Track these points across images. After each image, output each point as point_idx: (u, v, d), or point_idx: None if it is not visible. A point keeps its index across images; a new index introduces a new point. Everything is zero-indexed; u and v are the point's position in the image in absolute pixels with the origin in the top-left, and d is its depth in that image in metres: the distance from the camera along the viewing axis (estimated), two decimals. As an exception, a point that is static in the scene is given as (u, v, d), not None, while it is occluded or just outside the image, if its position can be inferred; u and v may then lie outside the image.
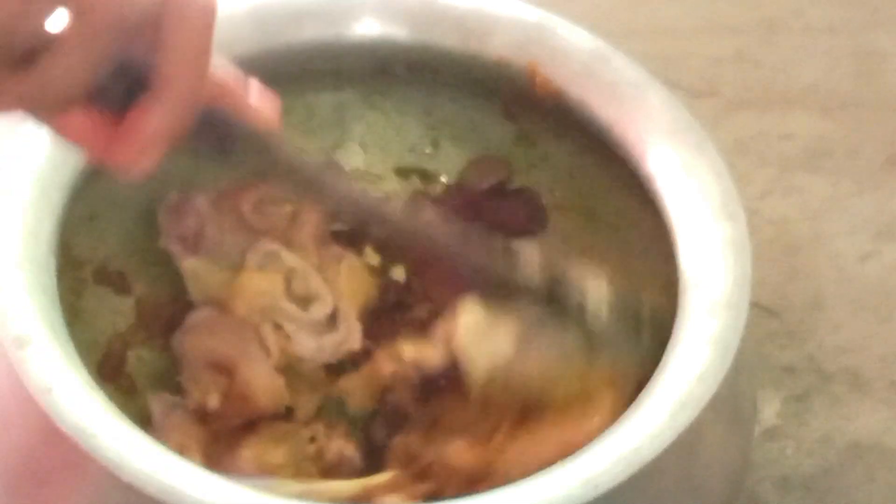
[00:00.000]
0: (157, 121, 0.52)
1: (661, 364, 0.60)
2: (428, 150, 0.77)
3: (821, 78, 0.97)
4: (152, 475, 0.55)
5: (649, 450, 0.57)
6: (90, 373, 0.60)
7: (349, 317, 0.72)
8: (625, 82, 0.69)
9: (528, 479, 0.56)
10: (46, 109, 0.51)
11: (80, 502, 0.58)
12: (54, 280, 0.61)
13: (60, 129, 0.52)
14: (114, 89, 0.51)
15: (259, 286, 0.71)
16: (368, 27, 0.72)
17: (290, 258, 0.72)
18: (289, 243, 0.73)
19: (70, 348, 0.59)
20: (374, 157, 0.77)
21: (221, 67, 0.55)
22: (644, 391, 0.59)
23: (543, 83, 0.70)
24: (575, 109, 0.70)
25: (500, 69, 0.71)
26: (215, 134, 0.56)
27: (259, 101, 0.57)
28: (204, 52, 0.52)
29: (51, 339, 0.59)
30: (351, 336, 0.71)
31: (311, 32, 0.71)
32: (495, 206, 0.75)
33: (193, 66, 0.52)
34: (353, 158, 0.77)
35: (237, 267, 0.72)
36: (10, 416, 0.59)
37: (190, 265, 0.72)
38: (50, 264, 0.61)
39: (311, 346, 0.71)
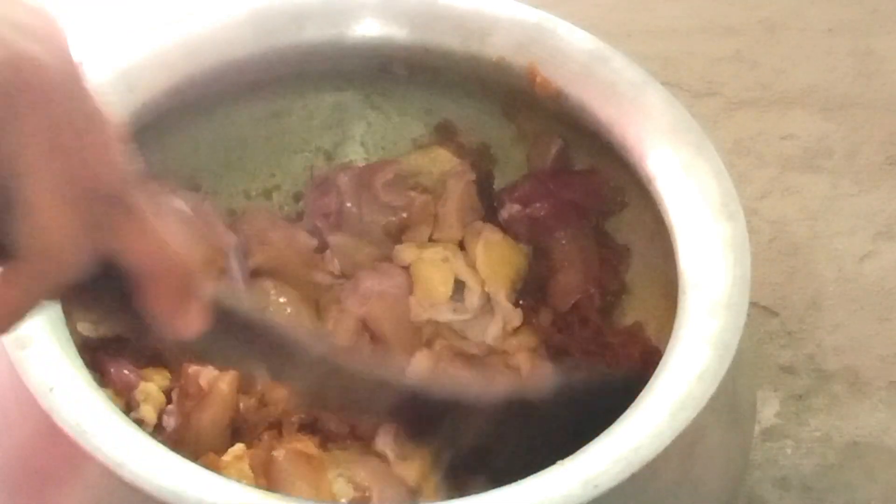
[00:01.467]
0: (14, 294, 0.44)
1: (661, 364, 0.60)
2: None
3: (820, 78, 0.97)
4: (152, 475, 0.55)
5: (649, 449, 0.57)
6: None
7: (500, 298, 0.72)
8: (624, 82, 0.69)
9: (528, 478, 0.56)
10: None
11: (80, 502, 0.58)
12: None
13: None
14: None
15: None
16: (368, 27, 0.72)
17: (434, 253, 0.73)
18: (431, 219, 0.74)
19: (71, 348, 0.59)
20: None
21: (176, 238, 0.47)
22: (644, 391, 0.59)
23: (543, 83, 0.70)
24: (575, 109, 0.70)
25: (500, 69, 0.71)
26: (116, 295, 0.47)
27: (182, 305, 0.47)
28: (67, 219, 0.43)
29: (52, 340, 0.59)
30: (508, 318, 0.72)
31: (312, 33, 0.71)
32: (565, 184, 0.74)
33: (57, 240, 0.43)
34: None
35: (379, 243, 0.74)
36: (11, 415, 0.60)
37: (335, 241, 0.73)
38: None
39: (478, 339, 0.72)
